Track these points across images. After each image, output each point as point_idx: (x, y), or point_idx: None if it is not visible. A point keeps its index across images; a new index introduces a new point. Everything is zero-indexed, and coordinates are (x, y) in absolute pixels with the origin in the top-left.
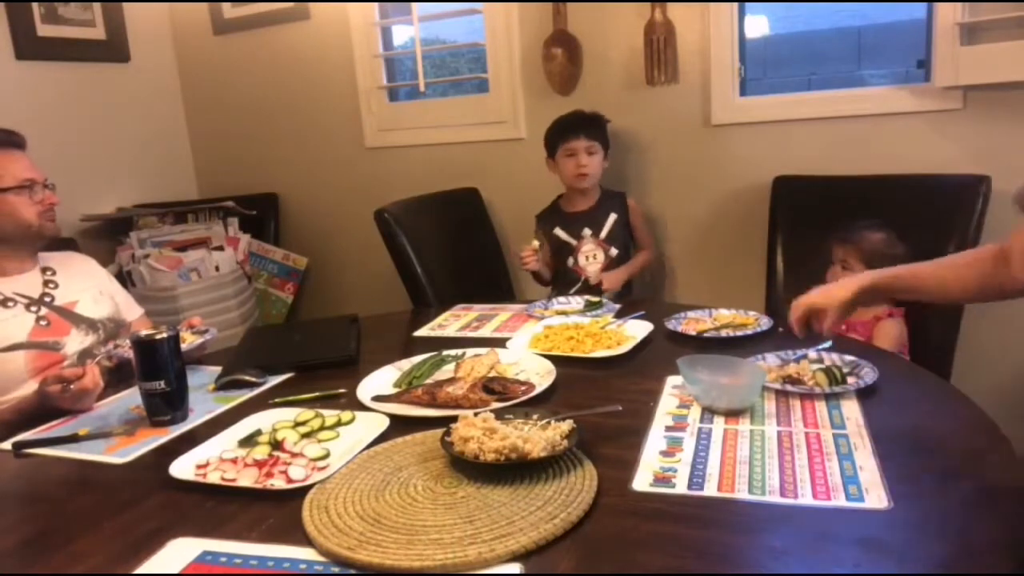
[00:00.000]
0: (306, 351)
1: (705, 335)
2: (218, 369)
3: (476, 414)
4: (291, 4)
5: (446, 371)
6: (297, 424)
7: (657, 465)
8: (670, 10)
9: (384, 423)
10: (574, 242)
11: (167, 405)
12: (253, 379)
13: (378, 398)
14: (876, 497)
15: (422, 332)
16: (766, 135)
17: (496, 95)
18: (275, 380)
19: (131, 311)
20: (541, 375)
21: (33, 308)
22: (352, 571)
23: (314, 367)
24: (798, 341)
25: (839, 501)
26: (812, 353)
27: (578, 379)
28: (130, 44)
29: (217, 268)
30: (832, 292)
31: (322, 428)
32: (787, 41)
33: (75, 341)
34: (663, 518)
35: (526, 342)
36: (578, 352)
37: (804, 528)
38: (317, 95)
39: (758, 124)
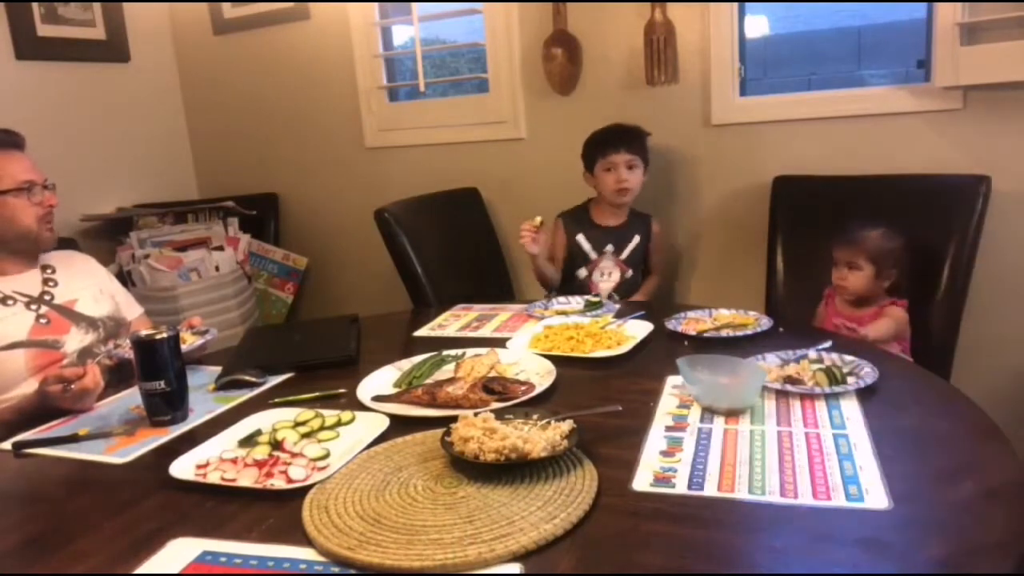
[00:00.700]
0: (306, 351)
1: (705, 335)
2: (218, 369)
3: (476, 414)
4: (291, 4)
5: (446, 371)
6: (297, 424)
7: (657, 465)
8: (670, 10)
9: (384, 423)
10: (594, 255)
11: (167, 405)
12: (253, 379)
13: (378, 398)
14: (876, 497)
15: (422, 332)
16: (766, 135)
17: (496, 95)
18: (275, 380)
19: (131, 310)
20: (541, 375)
21: (33, 306)
22: (352, 571)
23: (314, 367)
24: (798, 341)
25: (839, 501)
26: (812, 353)
27: (578, 379)
28: (130, 44)
29: (217, 268)
30: None
31: (322, 428)
32: (787, 41)
33: (75, 339)
34: (663, 518)
35: (526, 342)
36: (578, 352)
37: (804, 528)
38: (317, 95)
39: (758, 124)
